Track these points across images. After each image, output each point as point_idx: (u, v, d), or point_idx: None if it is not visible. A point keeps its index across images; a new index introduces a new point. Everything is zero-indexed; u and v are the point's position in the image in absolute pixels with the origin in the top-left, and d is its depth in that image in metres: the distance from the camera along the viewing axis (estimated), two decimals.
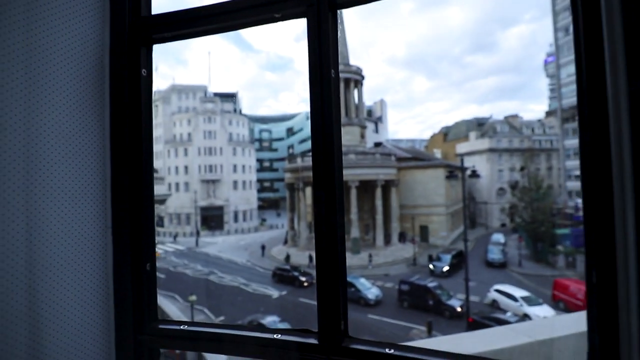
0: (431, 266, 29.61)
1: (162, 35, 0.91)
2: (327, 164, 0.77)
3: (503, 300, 22.76)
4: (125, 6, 0.90)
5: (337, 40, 0.78)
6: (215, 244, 47.50)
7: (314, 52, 0.78)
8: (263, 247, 38.05)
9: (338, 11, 0.81)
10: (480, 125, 65.99)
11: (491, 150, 57.39)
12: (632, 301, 0.52)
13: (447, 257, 29.88)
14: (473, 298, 22.98)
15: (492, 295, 23.74)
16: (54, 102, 0.84)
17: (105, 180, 0.87)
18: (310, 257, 33.13)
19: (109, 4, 0.87)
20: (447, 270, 27.52)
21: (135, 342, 0.91)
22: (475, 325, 18.71)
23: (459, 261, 30.48)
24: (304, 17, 0.79)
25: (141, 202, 0.90)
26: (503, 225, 52.79)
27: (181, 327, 0.91)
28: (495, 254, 33.53)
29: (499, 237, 40.21)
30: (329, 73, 0.77)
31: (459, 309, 21.22)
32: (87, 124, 0.87)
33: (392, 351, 0.72)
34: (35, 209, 0.80)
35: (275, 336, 0.81)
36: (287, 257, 34.96)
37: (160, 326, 0.92)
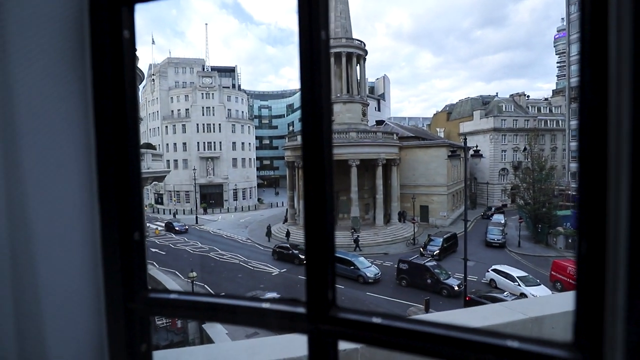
0: (421, 249, 29.65)
1: None
2: (316, 132, 0.75)
3: (500, 280, 23.17)
4: None
5: (327, 0, 0.74)
6: (215, 221, 47.96)
7: (304, 13, 0.73)
8: (269, 230, 38.14)
9: None
10: (486, 104, 65.08)
11: (495, 129, 56.87)
12: (620, 272, 0.50)
13: (439, 241, 29.82)
14: (471, 277, 23.40)
15: (490, 275, 24.14)
16: (32, 68, 0.81)
17: (89, 148, 0.84)
18: (288, 234, 33.76)
19: None
20: (437, 254, 27.52)
21: (125, 310, 0.91)
22: (472, 303, 19.12)
23: (452, 244, 30.55)
24: None
25: (127, 171, 0.88)
26: (504, 205, 53.07)
27: (171, 296, 0.90)
28: (494, 235, 33.85)
29: (499, 218, 40.51)
30: (318, 34, 0.73)
31: (456, 288, 21.65)
32: (68, 90, 0.84)
33: (378, 320, 0.72)
34: (17, 179, 0.78)
35: (264, 305, 0.81)
36: (288, 234, 35.33)
37: (151, 295, 0.92)
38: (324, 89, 0.73)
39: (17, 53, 0.77)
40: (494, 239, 33.33)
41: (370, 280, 24.13)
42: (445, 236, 30.47)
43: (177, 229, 42.19)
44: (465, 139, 24.29)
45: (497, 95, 67.84)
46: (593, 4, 0.53)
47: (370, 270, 24.84)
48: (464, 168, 22.32)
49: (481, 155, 23.67)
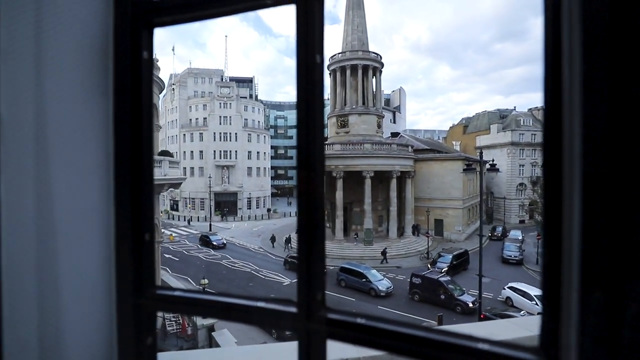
0: (429, 265, 28.93)
1: (162, 19, 0.96)
2: (310, 144, 0.82)
3: (517, 299, 22.46)
4: None
5: (323, 26, 0.82)
6: (229, 229, 48.39)
7: (301, 37, 0.82)
8: (273, 239, 38.55)
9: None
10: (503, 118, 64.18)
11: (513, 143, 55.90)
12: (574, 283, 0.55)
13: (448, 257, 28.99)
14: (486, 294, 22.80)
15: (506, 292, 23.44)
16: (63, 83, 0.91)
17: (108, 156, 0.94)
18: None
19: None
20: (445, 271, 26.56)
21: (134, 305, 0.99)
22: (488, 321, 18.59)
23: (462, 261, 29.68)
24: (293, 3, 0.83)
25: (141, 177, 0.97)
26: (522, 221, 51.69)
27: (175, 293, 0.98)
28: (511, 251, 32.96)
29: (516, 234, 39.47)
30: (314, 58, 0.81)
31: (471, 305, 21.11)
32: (93, 103, 0.94)
33: (362, 321, 0.77)
34: (45, 181, 0.88)
35: (258, 304, 0.88)
36: (288, 241, 36.09)
37: (158, 292, 1.00)
38: (317, 108, 0.81)
39: (51, 71, 0.88)
40: (510, 256, 32.44)
41: (382, 294, 23.80)
42: (455, 253, 29.68)
43: (214, 243, 36.80)
44: (482, 153, 23.98)
45: (515, 108, 66.86)
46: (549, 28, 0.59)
47: (382, 284, 24.51)
48: (480, 182, 21.98)
49: (497, 170, 23.28)
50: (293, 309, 0.84)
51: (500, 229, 43.65)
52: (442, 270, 26.79)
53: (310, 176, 0.81)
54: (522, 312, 19.52)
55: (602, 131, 0.55)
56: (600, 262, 0.55)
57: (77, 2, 0.91)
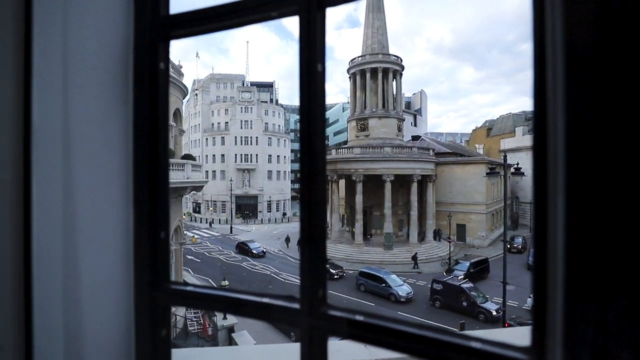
0: (445, 272, 28.08)
1: (178, 32, 1.03)
2: (312, 150, 0.86)
3: None
4: (147, 6, 1.03)
5: (324, 36, 0.86)
6: (249, 232, 49.05)
7: (304, 47, 0.86)
8: (288, 240, 38.80)
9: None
10: (529, 120, 62.21)
11: None
12: (558, 288, 0.56)
13: (465, 265, 27.96)
14: (511, 303, 22.09)
15: (532, 300, 22.61)
16: (87, 92, 1.00)
17: (128, 161, 1.01)
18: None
19: (133, 5, 1.00)
20: (461, 279, 25.47)
21: (150, 298, 1.06)
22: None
23: (482, 269, 28.60)
24: (296, 15, 0.88)
25: (157, 179, 1.04)
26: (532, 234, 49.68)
27: (188, 288, 1.04)
28: None
29: None
30: (315, 66, 0.85)
31: (494, 313, 20.50)
32: (115, 111, 1.02)
33: (361, 318, 0.81)
34: (71, 184, 0.96)
35: (264, 300, 0.92)
36: (287, 239, 36.24)
37: (172, 287, 1.07)
38: (318, 117, 0.85)
39: (77, 83, 0.96)
40: None
41: (402, 300, 23.47)
42: (473, 260, 28.75)
43: (254, 252, 35.00)
44: (506, 156, 23.33)
45: None
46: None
47: (403, 289, 24.18)
48: (504, 186, 21.37)
49: (523, 174, 22.57)
50: (296, 305, 0.88)
51: (520, 239, 37.83)
52: (459, 278, 26.04)
53: (312, 179, 0.86)
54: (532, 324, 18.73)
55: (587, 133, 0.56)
56: (584, 267, 0.56)
57: (101, 19, 0.99)
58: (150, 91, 1.04)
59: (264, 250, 36.08)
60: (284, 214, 63.26)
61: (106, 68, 1.00)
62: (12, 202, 0.84)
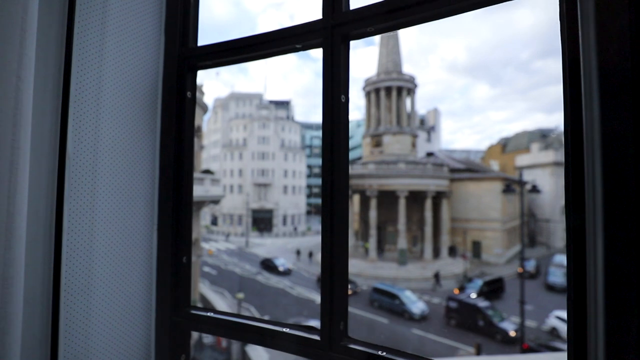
0: (455, 290, 27.02)
1: (205, 63, 1.07)
2: (336, 176, 0.87)
3: (564, 329, 20.64)
4: (177, 39, 1.07)
5: (348, 68, 0.88)
6: (264, 245, 49.03)
7: (328, 78, 0.88)
8: (298, 252, 38.64)
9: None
10: (544, 137, 61.13)
11: (556, 163, 52.80)
12: (599, 319, 0.54)
13: (478, 283, 26.61)
14: (529, 323, 21.23)
15: (552, 321, 21.64)
16: (118, 118, 1.03)
17: (154, 185, 1.04)
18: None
19: (163, 37, 1.04)
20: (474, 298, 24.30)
21: (171, 323, 1.06)
22: (530, 352, 17.27)
23: (495, 289, 27.34)
24: (320, 47, 0.90)
25: (181, 206, 1.06)
26: (565, 245, 47.98)
27: (208, 314, 1.05)
28: (556, 277, 30.53)
29: (562, 259, 36.68)
30: (339, 98, 0.87)
31: (512, 333, 19.66)
32: (143, 137, 1.05)
33: (384, 354, 0.79)
34: (98, 208, 0.99)
35: (284, 329, 0.92)
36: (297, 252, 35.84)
37: (192, 311, 1.07)
38: (342, 146, 0.86)
39: (108, 113, 1.00)
40: (556, 282, 30.07)
41: (416, 317, 22.84)
42: (486, 279, 27.62)
43: (279, 269, 32.82)
44: (521, 173, 22.85)
45: (556, 128, 63.55)
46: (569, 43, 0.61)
47: (417, 306, 23.54)
48: (521, 203, 20.87)
49: (538, 191, 22.04)
50: (316, 337, 0.87)
51: (532, 262, 32.72)
52: (470, 296, 25.06)
53: (334, 219, 0.86)
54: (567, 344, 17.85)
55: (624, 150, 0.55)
56: (625, 291, 0.54)
57: (133, 51, 1.04)
58: (177, 119, 1.07)
59: (290, 268, 33.51)
60: (295, 229, 63.09)
61: (136, 98, 1.04)
62: (45, 227, 0.87)
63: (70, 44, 0.87)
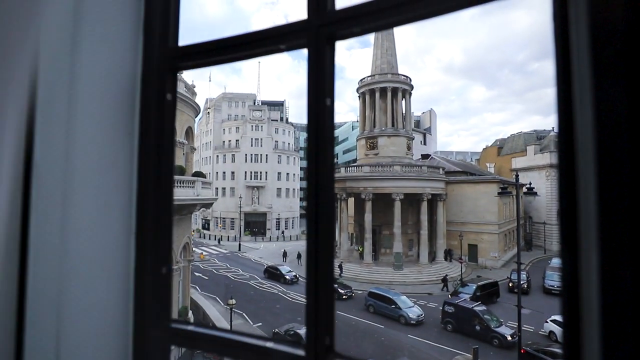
0: (449, 295, 26.84)
1: (186, 63, 1.02)
2: (320, 182, 0.82)
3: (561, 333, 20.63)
4: (157, 38, 1.02)
5: (334, 70, 0.84)
6: (257, 249, 48.77)
7: (312, 80, 0.84)
8: (299, 256, 38.79)
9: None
10: (540, 139, 61.65)
11: (552, 166, 53.23)
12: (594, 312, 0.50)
13: (472, 288, 26.40)
14: (527, 327, 21.26)
15: (549, 326, 21.69)
16: (92, 121, 0.98)
17: (131, 191, 0.99)
18: (340, 267, 32.40)
19: (142, 37, 1.00)
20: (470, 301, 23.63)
21: (150, 337, 1.01)
22: (528, 357, 17.27)
23: (490, 293, 27.02)
24: (305, 47, 0.86)
25: (161, 212, 1.01)
26: (559, 249, 48.16)
27: (189, 327, 0.99)
28: (554, 280, 30.65)
29: (559, 262, 36.75)
30: (324, 100, 0.82)
31: (509, 338, 19.70)
32: (119, 142, 1.00)
33: None
34: (70, 218, 0.94)
35: (267, 344, 0.87)
36: (299, 256, 36.53)
37: (172, 325, 1.02)
38: (328, 146, 0.82)
39: (82, 114, 0.95)
40: (553, 286, 30.17)
41: (412, 322, 22.78)
42: (480, 283, 27.41)
43: (286, 277, 31.11)
44: (518, 175, 22.96)
45: (553, 129, 64.16)
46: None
47: (413, 311, 23.49)
48: (517, 206, 20.94)
49: (535, 193, 22.14)
50: (301, 352, 0.82)
51: (524, 276, 28.35)
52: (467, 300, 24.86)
53: (318, 226, 0.81)
54: (563, 349, 17.87)
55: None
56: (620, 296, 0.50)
57: (109, 49, 0.99)
58: (156, 122, 1.02)
59: (297, 276, 31.62)
60: (283, 233, 62.75)
61: (111, 99, 0.99)
62: (8, 239, 0.81)
63: (37, 40, 0.82)
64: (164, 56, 1.03)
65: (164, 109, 1.01)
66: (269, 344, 0.86)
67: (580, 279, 0.56)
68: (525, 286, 28.34)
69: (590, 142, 0.56)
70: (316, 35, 0.83)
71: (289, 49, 0.89)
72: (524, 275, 28.32)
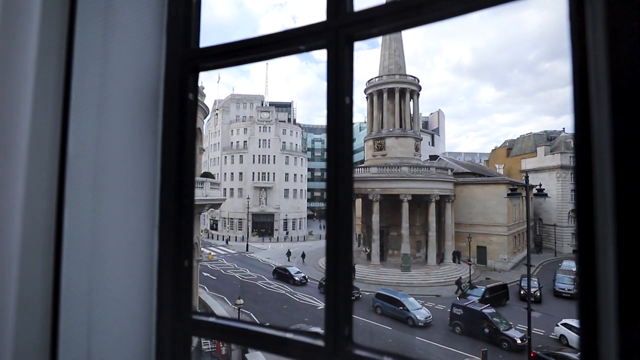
0: (457, 297, 26.53)
1: (207, 64, 1.06)
2: (340, 180, 0.85)
3: (573, 337, 20.31)
4: (179, 40, 1.07)
5: (352, 69, 0.87)
6: (265, 250, 48.93)
7: (332, 80, 0.87)
8: (303, 255, 39.00)
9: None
10: (550, 140, 60.84)
11: (563, 167, 52.47)
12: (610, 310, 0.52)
13: (481, 290, 26.08)
14: (537, 331, 21.00)
15: (560, 330, 21.36)
16: (120, 119, 1.03)
17: (155, 187, 1.03)
18: (353, 268, 32.06)
19: (165, 39, 1.04)
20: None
21: (172, 328, 1.05)
22: None
23: (499, 296, 26.36)
24: (324, 48, 0.89)
25: (183, 207, 1.05)
26: (575, 251, 47.65)
27: (210, 319, 1.03)
28: (565, 283, 30.15)
29: (570, 265, 36.25)
30: (343, 99, 0.85)
31: (519, 341, 19.47)
32: (144, 141, 1.04)
33: (389, 359, 0.77)
34: (100, 208, 0.98)
35: (287, 335, 0.90)
36: (303, 255, 37.32)
37: (194, 317, 1.05)
38: (347, 149, 0.85)
39: (110, 114, 0.99)
40: (564, 289, 29.68)
41: (420, 324, 22.64)
42: (489, 286, 27.07)
43: (296, 278, 30.93)
44: (527, 177, 22.71)
45: (564, 130, 63.28)
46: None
47: (421, 313, 23.36)
48: (527, 208, 20.69)
49: (545, 195, 21.86)
50: (320, 343, 0.85)
51: (535, 283, 27.38)
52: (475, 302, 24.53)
53: (339, 214, 0.84)
54: (580, 353, 17.64)
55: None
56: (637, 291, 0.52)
57: (135, 53, 1.03)
58: (179, 121, 1.06)
59: (306, 277, 31.58)
60: (287, 233, 62.86)
61: (138, 100, 1.03)
62: (44, 230, 0.86)
63: (72, 43, 0.86)
64: (185, 57, 1.07)
65: (186, 108, 1.05)
66: (289, 335, 0.89)
67: (598, 281, 0.58)
68: (538, 294, 27.50)
69: (607, 141, 0.57)
70: (335, 37, 0.86)
71: (308, 49, 0.92)
72: (535, 283, 27.75)
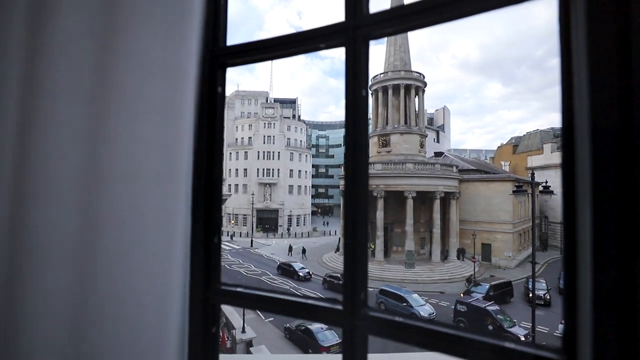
0: (461, 294, 26.47)
1: (234, 61, 1.17)
2: (357, 159, 0.96)
3: None
4: (209, 39, 1.18)
5: (368, 65, 0.97)
6: (269, 246, 49.20)
7: (350, 75, 0.98)
8: (304, 251, 39.35)
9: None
10: (557, 137, 60.34)
11: None
12: (587, 290, 0.63)
13: (485, 288, 25.93)
14: (541, 329, 21.01)
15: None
16: (158, 110, 1.14)
17: (188, 172, 1.15)
18: None
19: (198, 37, 1.15)
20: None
21: (203, 298, 1.17)
22: None
23: (503, 293, 26.11)
24: (343, 46, 1.00)
25: (212, 189, 1.17)
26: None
27: (238, 289, 1.15)
28: None
29: None
30: (360, 92, 0.96)
31: (523, 339, 19.51)
32: (179, 126, 1.16)
33: (400, 319, 0.88)
34: (140, 192, 1.10)
35: (310, 302, 1.01)
36: (303, 251, 38.84)
37: (222, 287, 1.18)
38: (363, 135, 0.96)
39: (148, 99, 1.11)
40: None
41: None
42: (493, 283, 26.97)
43: (300, 274, 30.94)
44: (533, 174, 22.62)
45: None
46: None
47: (425, 309, 23.46)
48: (532, 205, 20.64)
49: (552, 192, 21.78)
50: (339, 307, 0.97)
51: (543, 284, 27.02)
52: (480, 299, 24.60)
53: (356, 192, 0.95)
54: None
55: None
56: (611, 277, 0.63)
57: (171, 48, 1.15)
58: (209, 111, 1.17)
59: (310, 273, 31.41)
60: (288, 229, 62.97)
61: (174, 92, 1.15)
62: (79, 211, 0.98)
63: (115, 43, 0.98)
64: (215, 54, 1.18)
65: (216, 100, 1.17)
66: (311, 301, 1.01)
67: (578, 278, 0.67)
68: (548, 297, 26.39)
69: (586, 138, 0.67)
70: (353, 36, 0.97)
71: (328, 47, 1.03)
72: (543, 285, 27.20)
